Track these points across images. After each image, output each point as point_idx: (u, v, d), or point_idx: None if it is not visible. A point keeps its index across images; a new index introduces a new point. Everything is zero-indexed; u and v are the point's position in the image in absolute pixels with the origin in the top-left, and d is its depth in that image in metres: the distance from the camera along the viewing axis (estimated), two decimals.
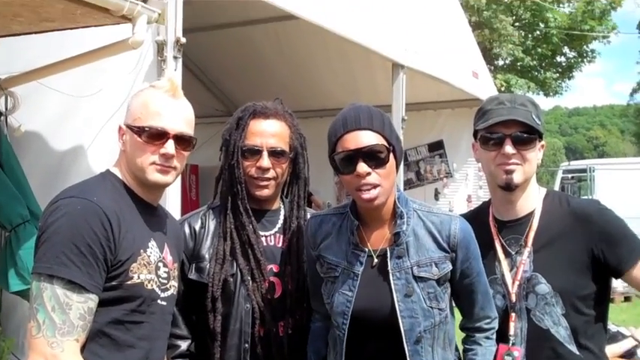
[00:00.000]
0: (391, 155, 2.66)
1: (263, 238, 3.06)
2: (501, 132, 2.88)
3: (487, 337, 2.85)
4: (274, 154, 3.00)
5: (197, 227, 3.05)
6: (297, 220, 3.11)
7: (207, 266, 2.96)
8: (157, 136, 2.54)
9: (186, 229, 3.03)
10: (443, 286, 2.73)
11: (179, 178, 4.47)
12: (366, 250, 2.76)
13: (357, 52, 8.11)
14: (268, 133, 3.01)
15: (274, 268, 3.03)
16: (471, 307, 2.84)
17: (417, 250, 2.72)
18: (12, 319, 5.19)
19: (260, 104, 3.07)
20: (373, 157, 2.61)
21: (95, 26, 4.52)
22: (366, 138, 2.61)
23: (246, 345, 2.92)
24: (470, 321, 2.87)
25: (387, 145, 2.64)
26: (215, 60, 10.01)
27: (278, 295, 3.00)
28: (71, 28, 4.65)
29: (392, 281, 2.68)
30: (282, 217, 3.15)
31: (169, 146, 2.55)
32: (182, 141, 2.60)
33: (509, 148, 2.86)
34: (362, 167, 2.59)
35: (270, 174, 3.00)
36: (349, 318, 2.71)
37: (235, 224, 3.00)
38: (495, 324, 2.87)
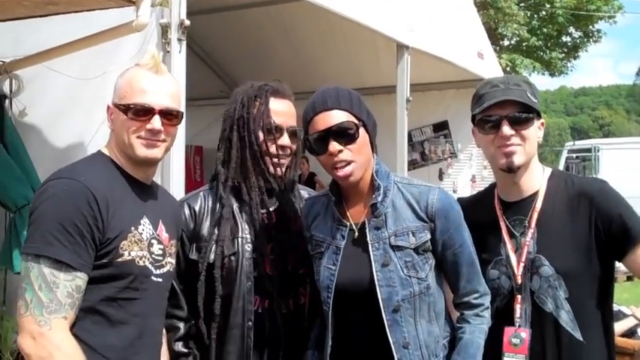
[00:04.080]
0: (362, 130, 2.73)
1: (263, 216, 3.08)
2: (497, 114, 2.88)
3: (477, 315, 2.82)
4: (293, 134, 3.07)
5: (197, 208, 3.06)
6: (286, 195, 3.15)
7: (208, 246, 2.98)
8: (143, 112, 2.59)
9: (186, 210, 3.05)
10: (422, 256, 2.75)
11: (183, 159, 4.53)
12: (347, 224, 2.82)
13: (360, 33, 8.09)
14: (288, 112, 3.09)
15: (274, 244, 3.07)
16: (456, 280, 2.83)
17: (394, 221, 2.76)
18: (17, 300, 5.23)
19: (273, 84, 3.11)
20: (343, 134, 2.69)
21: (99, 9, 4.53)
22: (334, 117, 2.70)
23: (250, 323, 2.94)
24: (457, 296, 2.86)
25: (356, 122, 2.71)
26: (219, 42, 10.00)
27: (277, 270, 3.03)
28: (76, 11, 4.66)
29: (371, 252, 2.73)
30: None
31: (155, 121, 2.59)
32: (168, 115, 2.65)
33: (506, 129, 2.85)
34: (333, 146, 2.67)
35: (288, 152, 3.07)
36: (333, 291, 2.76)
37: (240, 203, 3.03)
38: (485, 300, 2.85)
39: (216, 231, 2.99)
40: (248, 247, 2.98)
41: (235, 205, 3.03)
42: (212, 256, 2.96)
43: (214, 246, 2.97)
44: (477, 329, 2.80)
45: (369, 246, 2.74)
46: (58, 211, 2.40)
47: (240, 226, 3.00)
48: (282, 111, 3.06)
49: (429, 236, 2.75)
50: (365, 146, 2.74)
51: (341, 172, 2.70)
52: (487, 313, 2.85)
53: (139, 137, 2.60)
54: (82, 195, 2.42)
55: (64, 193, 2.43)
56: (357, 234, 2.79)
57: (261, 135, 3.01)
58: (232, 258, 2.96)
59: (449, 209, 2.79)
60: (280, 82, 3.17)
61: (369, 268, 2.71)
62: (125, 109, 2.59)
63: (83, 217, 2.40)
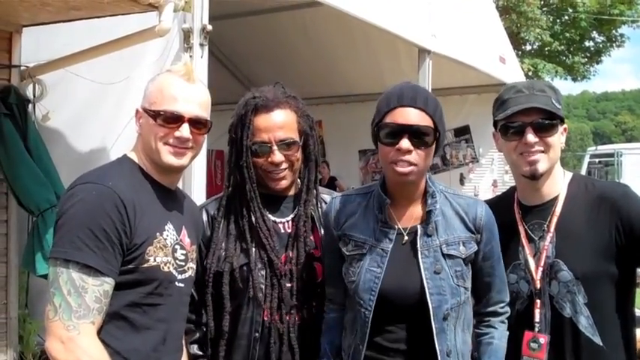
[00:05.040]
0: (435, 141, 2.68)
1: (280, 225, 3.04)
2: (521, 120, 2.84)
3: (502, 322, 2.86)
4: (285, 146, 2.95)
5: (214, 215, 3.05)
6: (306, 203, 3.07)
7: (222, 254, 2.95)
8: (173, 119, 2.58)
9: (204, 217, 3.03)
10: (467, 266, 2.75)
11: (204, 163, 4.55)
12: (396, 227, 2.76)
13: (382, 37, 8.09)
14: (275, 126, 2.95)
15: (290, 254, 3.00)
16: (488, 291, 2.84)
17: (445, 229, 2.73)
18: (39, 302, 5.27)
19: (260, 96, 3.00)
20: (419, 136, 2.62)
21: (122, 14, 4.56)
22: (418, 117, 2.63)
23: (257, 334, 2.92)
24: (485, 305, 2.86)
25: (435, 130, 2.66)
26: (241, 47, 10.01)
27: (292, 282, 2.98)
28: (98, 17, 4.69)
29: (420, 259, 2.68)
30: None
31: (184, 129, 2.58)
32: (197, 124, 2.64)
33: (531, 137, 2.81)
34: (405, 143, 2.60)
35: (284, 166, 2.96)
36: (377, 295, 2.69)
37: (249, 217, 2.97)
38: (508, 309, 2.88)
39: (223, 245, 2.97)
40: (260, 258, 2.95)
41: (246, 217, 2.99)
42: (221, 270, 2.93)
43: (224, 261, 2.94)
44: (503, 335, 2.84)
45: (419, 253, 2.70)
46: (87, 216, 2.39)
47: (252, 237, 2.96)
48: (267, 126, 2.94)
49: (475, 248, 2.75)
50: (430, 156, 2.71)
51: (400, 169, 2.63)
52: (507, 322, 2.88)
53: (166, 144, 2.59)
54: (110, 200, 2.42)
55: (93, 198, 2.42)
56: (405, 238, 2.76)
57: (251, 156, 2.95)
58: (244, 268, 2.93)
59: (493, 223, 2.81)
60: (276, 86, 3.09)
61: (418, 276, 2.67)
62: (155, 115, 2.58)
63: (112, 223, 2.39)
